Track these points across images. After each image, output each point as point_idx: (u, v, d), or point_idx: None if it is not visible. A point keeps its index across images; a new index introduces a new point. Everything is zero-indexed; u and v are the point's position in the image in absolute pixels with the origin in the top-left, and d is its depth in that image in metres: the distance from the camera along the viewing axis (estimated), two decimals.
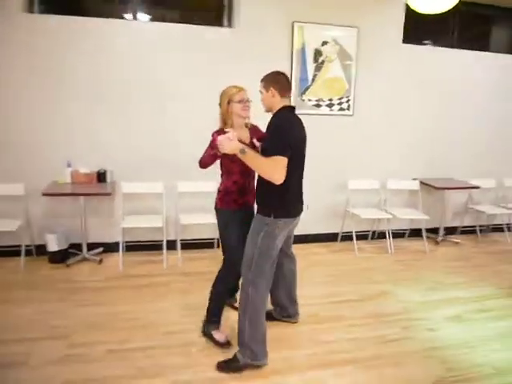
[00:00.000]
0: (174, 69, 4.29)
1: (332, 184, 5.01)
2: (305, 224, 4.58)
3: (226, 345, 2.85)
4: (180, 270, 4.10)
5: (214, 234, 4.65)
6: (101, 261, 4.18)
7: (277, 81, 2.63)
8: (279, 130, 2.47)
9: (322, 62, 4.69)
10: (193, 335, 2.97)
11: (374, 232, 5.26)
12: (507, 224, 5.51)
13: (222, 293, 2.93)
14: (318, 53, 4.65)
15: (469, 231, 5.70)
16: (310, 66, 4.66)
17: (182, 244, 4.48)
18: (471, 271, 4.45)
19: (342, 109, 4.85)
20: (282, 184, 2.45)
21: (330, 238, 5.10)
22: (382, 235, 5.19)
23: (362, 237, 5.20)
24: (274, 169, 2.39)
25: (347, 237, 5.09)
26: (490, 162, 5.63)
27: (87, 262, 4.20)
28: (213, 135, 2.78)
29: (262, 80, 2.68)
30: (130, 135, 4.30)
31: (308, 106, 4.72)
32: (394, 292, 3.84)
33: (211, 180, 4.41)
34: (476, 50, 5.38)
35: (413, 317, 3.41)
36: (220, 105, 2.82)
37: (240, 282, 2.73)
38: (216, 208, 2.90)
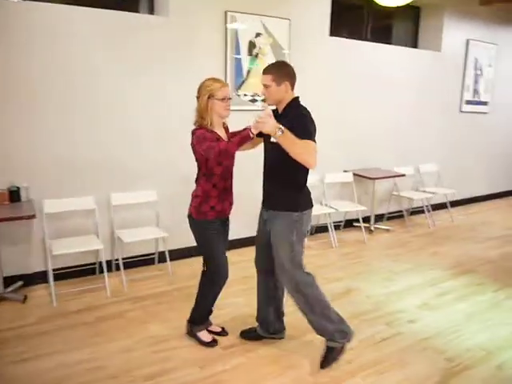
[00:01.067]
0: (93, 61, 3.66)
1: None
2: (239, 227, 4.36)
3: (212, 343, 2.82)
4: (127, 296, 3.53)
5: (153, 248, 4.14)
6: (25, 298, 3.40)
7: (291, 74, 2.51)
8: (306, 118, 2.41)
9: (256, 55, 4.44)
10: (178, 374, 2.53)
11: (312, 227, 5.20)
12: (426, 206, 5.87)
13: (208, 301, 2.81)
14: (251, 45, 4.39)
15: (394, 217, 5.97)
16: (245, 59, 4.38)
17: (116, 264, 3.89)
18: (412, 256, 4.62)
19: None
20: (299, 175, 2.50)
21: None
22: (320, 229, 5.15)
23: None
24: (311, 152, 2.28)
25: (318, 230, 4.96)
26: (407, 150, 5.95)
27: (7, 302, 3.38)
28: (194, 133, 2.52)
29: (271, 72, 2.44)
30: (48, 141, 3.57)
31: (244, 102, 4.43)
32: (358, 287, 3.79)
33: (150, 189, 3.97)
34: (383, 43, 5.63)
35: (388, 311, 3.37)
36: (198, 98, 2.52)
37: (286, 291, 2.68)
38: (190, 217, 2.66)
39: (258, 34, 4.41)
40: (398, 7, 4.68)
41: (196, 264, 4.25)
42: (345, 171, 5.30)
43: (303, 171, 2.49)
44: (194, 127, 2.58)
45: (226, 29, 4.20)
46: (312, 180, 4.80)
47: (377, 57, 5.39)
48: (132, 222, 3.95)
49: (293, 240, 2.50)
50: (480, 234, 5.49)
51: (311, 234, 5.16)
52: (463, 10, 6.12)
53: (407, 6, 5.85)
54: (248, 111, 4.45)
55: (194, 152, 2.57)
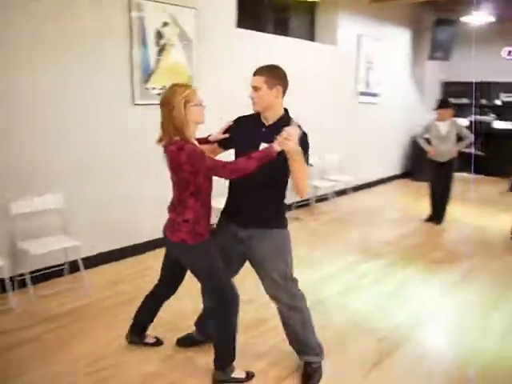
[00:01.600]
0: None
1: None
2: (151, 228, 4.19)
3: (250, 377, 2.52)
4: (40, 316, 3.13)
5: (62, 258, 3.74)
6: None
7: (283, 79, 2.33)
8: (307, 139, 2.32)
9: (164, 46, 4.22)
10: None
11: None
12: (330, 193, 6.19)
13: (233, 331, 2.41)
14: (158, 35, 4.15)
15: (302, 205, 6.18)
16: (152, 50, 4.13)
17: (21, 280, 3.45)
18: (323, 244, 4.83)
19: None
20: (285, 193, 2.42)
21: None
22: None
23: None
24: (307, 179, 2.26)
25: None
26: (311, 140, 6.16)
27: None
28: (181, 148, 2.15)
29: (263, 74, 2.28)
30: None
31: (152, 96, 4.19)
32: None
33: (55, 191, 3.57)
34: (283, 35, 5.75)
35: (315, 299, 3.44)
36: (168, 109, 2.18)
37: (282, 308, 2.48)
38: (183, 245, 2.29)
39: (164, 24, 4.18)
40: (295, 1, 4.77)
41: (113, 270, 4.02)
42: None
43: (285, 189, 2.42)
44: (164, 142, 2.24)
45: (130, 17, 3.91)
46: None
47: (280, 50, 5.47)
48: (37, 232, 3.53)
49: (287, 257, 2.41)
50: (378, 218, 5.95)
51: None
52: (355, 7, 6.49)
53: (305, 2, 6.06)
54: (157, 105, 4.23)
55: (178, 171, 2.21)
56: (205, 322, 2.75)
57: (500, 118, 8.48)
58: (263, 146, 2.24)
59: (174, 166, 2.22)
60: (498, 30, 7.84)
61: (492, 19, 6.70)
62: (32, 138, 3.47)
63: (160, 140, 2.28)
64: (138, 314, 2.74)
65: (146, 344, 2.77)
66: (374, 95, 7.26)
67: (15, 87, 3.33)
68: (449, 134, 5.38)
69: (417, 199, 6.85)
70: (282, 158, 2.12)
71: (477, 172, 7.41)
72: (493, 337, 3.07)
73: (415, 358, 2.77)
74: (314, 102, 6.10)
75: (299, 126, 2.15)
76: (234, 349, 2.43)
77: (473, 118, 8.28)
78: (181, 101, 2.16)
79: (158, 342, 2.81)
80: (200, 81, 4.55)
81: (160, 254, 4.14)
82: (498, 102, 8.51)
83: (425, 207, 5.86)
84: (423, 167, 6.13)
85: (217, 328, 2.43)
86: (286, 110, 2.39)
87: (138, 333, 2.75)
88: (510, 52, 8.48)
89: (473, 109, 8.23)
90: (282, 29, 5.96)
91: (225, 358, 2.44)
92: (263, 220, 2.35)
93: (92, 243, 3.86)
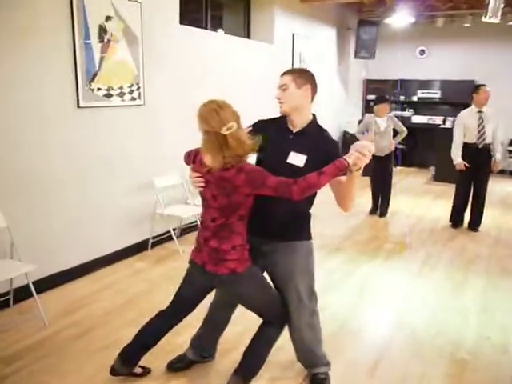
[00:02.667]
0: None
1: (135, 185, 4.30)
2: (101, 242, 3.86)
3: None
4: None
5: (6, 286, 3.23)
6: None
7: (314, 80, 2.19)
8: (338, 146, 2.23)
9: (108, 42, 3.84)
10: None
11: (174, 229, 4.86)
12: None
13: (273, 342, 2.34)
14: (102, 30, 3.77)
15: None
16: (96, 47, 3.73)
17: None
18: None
19: (133, 98, 4.15)
20: (310, 203, 2.26)
21: (137, 248, 4.40)
22: (184, 231, 4.88)
23: (169, 238, 4.70)
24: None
25: (157, 242, 4.56)
26: None
27: None
28: (242, 169, 1.97)
29: (290, 73, 2.15)
30: None
31: (98, 97, 3.80)
32: None
33: None
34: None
35: None
36: (224, 132, 1.96)
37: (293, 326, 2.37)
38: (233, 276, 2.10)
39: (108, 18, 3.80)
40: None
41: (68, 290, 3.58)
42: None
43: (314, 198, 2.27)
44: (213, 167, 2.00)
45: (71, 10, 3.49)
46: (176, 181, 4.57)
47: (221, 47, 5.29)
48: None
49: (311, 269, 2.30)
50: (326, 213, 6.02)
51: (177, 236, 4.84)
52: (288, 5, 6.50)
53: None
54: (103, 108, 3.87)
55: (232, 194, 2.01)
56: (203, 347, 2.55)
57: (417, 112, 9.08)
58: (293, 155, 2.09)
59: (228, 190, 2.00)
60: (414, 31, 8.36)
61: (412, 20, 7.12)
62: None
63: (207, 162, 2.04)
64: (133, 341, 2.39)
65: (134, 375, 2.47)
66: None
67: None
68: (387, 129, 5.61)
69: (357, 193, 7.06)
70: (310, 168, 1.97)
71: (400, 164, 7.87)
72: (472, 316, 3.25)
73: (408, 346, 2.81)
74: (253, 100, 6.02)
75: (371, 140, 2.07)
76: (263, 363, 2.33)
77: (393, 113, 8.77)
78: (236, 121, 1.99)
79: (146, 371, 2.53)
80: (147, 80, 4.24)
81: (115, 268, 3.90)
82: (415, 99, 9.11)
83: (366, 201, 6.07)
84: None
85: (260, 342, 2.31)
86: (314, 115, 2.22)
87: (129, 363, 2.41)
88: (422, 51, 9.13)
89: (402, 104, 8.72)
90: (217, 25, 5.80)
91: (252, 371, 2.32)
92: (290, 232, 2.20)
93: (38, 264, 3.40)
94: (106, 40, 3.81)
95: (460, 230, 5.29)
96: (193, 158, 2.19)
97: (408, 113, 9.13)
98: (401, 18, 7.04)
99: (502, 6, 5.09)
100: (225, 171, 1.98)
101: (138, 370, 2.48)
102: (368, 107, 9.43)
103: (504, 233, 5.22)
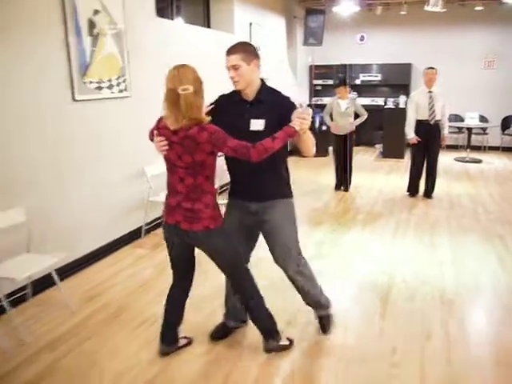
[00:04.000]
0: None
1: (128, 174, 4.40)
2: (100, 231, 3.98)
3: (292, 343, 2.71)
4: (35, 345, 2.76)
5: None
6: None
7: (256, 52, 2.41)
8: (294, 106, 2.38)
9: (97, 36, 3.90)
10: None
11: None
12: None
13: (262, 300, 2.58)
14: (91, 24, 3.82)
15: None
16: (86, 40, 3.78)
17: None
18: None
19: (120, 90, 4.24)
20: (286, 162, 2.56)
21: (131, 236, 4.53)
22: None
23: (158, 225, 4.86)
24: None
25: (148, 229, 4.71)
26: None
27: None
28: (205, 128, 2.18)
29: (238, 52, 2.32)
30: None
31: (91, 90, 3.87)
32: None
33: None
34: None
35: None
36: (196, 91, 2.19)
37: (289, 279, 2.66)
38: (209, 232, 2.31)
39: (96, 12, 3.86)
40: None
41: (81, 278, 3.68)
42: None
43: (286, 158, 2.57)
44: (176, 126, 2.19)
45: (63, 4, 3.52)
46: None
47: (190, 39, 5.44)
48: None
49: (295, 224, 2.58)
50: (298, 190, 6.44)
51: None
52: None
53: None
54: (96, 100, 3.94)
55: (195, 152, 2.19)
56: (233, 306, 2.81)
57: (361, 95, 9.72)
58: (253, 122, 2.36)
59: (191, 148, 2.18)
60: (354, 19, 8.93)
61: (357, 9, 7.65)
62: None
63: (171, 123, 2.22)
64: (164, 322, 2.61)
65: (179, 348, 2.69)
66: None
67: None
68: (347, 111, 6.10)
69: (319, 172, 7.53)
70: (270, 129, 2.28)
71: None
72: (447, 268, 3.81)
73: (404, 292, 3.30)
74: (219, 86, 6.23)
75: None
76: (271, 317, 2.58)
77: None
78: (200, 82, 2.21)
79: (189, 341, 2.76)
80: (132, 72, 4.33)
81: (118, 256, 4.05)
82: (358, 82, 9.75)
83: (330, 177, 6.55)
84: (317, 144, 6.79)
85: (254, 313, 2.57)
86: (262, 80, 2.47)
87: (170, 341, 2.63)
88: (362, 37, 9.77)
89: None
90: (177, 16, 5.91)
91: (267, 327, 2.59)
92: (270, 192, 2.49)
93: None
94: (94, 33, 3.87)
95: (417, 198, 5.93)
96: (156, 126, 2.35)
97: (353, 95, 9.74)
98: (346, 7, 7.53)
99: None
100: (188, 130, 2.17)
101: (182, 342, 2.71)
102: (315, 91, 9.95)
103: (454, 198, 5.93)
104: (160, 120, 2.33)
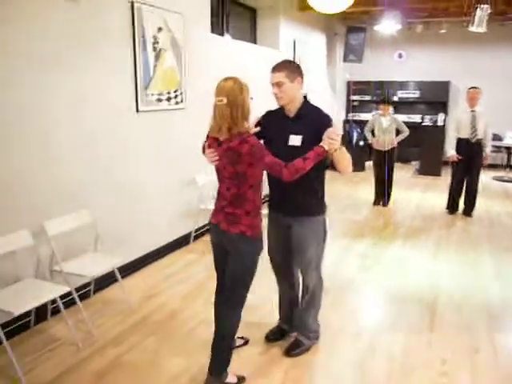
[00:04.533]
0: None
1: (179, 183, 4.63)
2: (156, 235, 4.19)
3: (241, 381, 2.55)
4: (103, 339, 2.98)
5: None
6: None
7: (300, 70, 2.52)
8: (333, 122, 2.49)
9: (160, 51, 4.16)
10: None
11: None
12: None
13: (234, 343, 2.55)
14: (155, 40, 4.09)
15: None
16: (151, 56, 4.05)
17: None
18: None
19: (177, 102, 4.48)
20: (323, 180, 2.64)
21: (182, 241, 4.73)
22: None
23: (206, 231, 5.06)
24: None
25: (198, 235, 4.91)
26: None
27: None
28: (246, 141, 2.21)
29: (282, 69, 2.44)
30: None
31: (152, 102, 4.13)
32: None
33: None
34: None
35: (345, 277, 3.87)
36: (241, 102, 2.24)
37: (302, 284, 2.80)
38: (243, 238, 2.31)
39: (159, 29, 4.13)
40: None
41: (138, 279, 3.88)
42: None
43: (322, 173, 2.63)
44: (221, 137, 2.27)
45: (133, 21, 3.80)
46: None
47: (240, 55, 5.69)
48: (71, 252, 3.27)
49: (321, 241, 2.67)
50: (337, 204, 6.55)
51: None
52: (289, 14, 6.98)
53: (245, 7, 6.37)
54: (156, 111, 4.19)
55: (238, 163, 2.25)
56: (285, 312, 2.95)
57: (398, 112, 9.78)
58: (292, 138, 2.47)
59: (234, 159, 2.24)
60: (393, 36, 9.06)
61: (398, 27, 7.77)
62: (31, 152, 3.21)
63: (214, 135, 2.32)
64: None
65: (237, 347, 2.79)
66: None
67: (18, 100, 3.06)
68: (389, 128, 6.21)
69: (356, 186, 7.63)
70: (307, 145, 2.37)
71: None
72: (490, 282, 3.90)
73: (450, 305, 3.38)
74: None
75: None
76: (230, 360, 2.47)
77: (374, 112, 9.44)
78: (247, 93, 2.26)
79: (245, 341, 2.91)
80: (189, 85, 4.58)
81: (170, 260, 4.21)
82: (396, 99, 9.83)
83: (367, 192, 6.65)
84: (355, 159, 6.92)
85: (225, 334, 2.43)
86: (305, 97, 2.57)
87: None
88: (400, 54, 9.87)
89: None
90: (227, 32, 6.17)
91: (221, 364, 2.46)
92: (304, 209, 2.57)
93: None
94: (158, 49, 4.13)
95: (456, 216, 5.96)
96: (206, 139, 2.44)
97: (377, 112, 9.81)
98: (388, 26, 7.67)
99: (487, 17, 5.77)
100: (230, 142, 2.23)
101: (239, 342, 2.84)
102: (353, 107, 10.07)
103: (494, 216, 5.94)
104: (208, 134, 2.43)
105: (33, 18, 2.96)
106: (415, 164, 9.02)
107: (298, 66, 2.54)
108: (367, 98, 9.97)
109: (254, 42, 6.76)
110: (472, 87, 5.73)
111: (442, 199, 6.25)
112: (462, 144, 5.72)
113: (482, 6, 5.59)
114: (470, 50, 9.14)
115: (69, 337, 2.95)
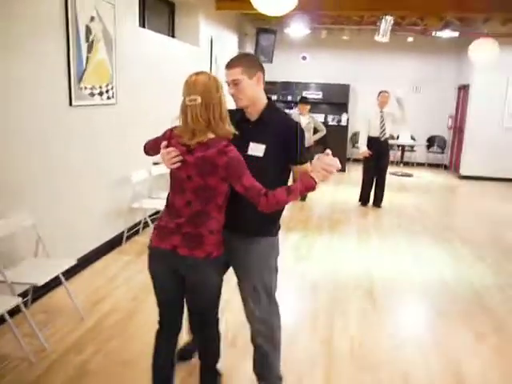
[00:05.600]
0: None
1: (110, 181, 4.41)
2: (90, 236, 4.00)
3: None
4: (60, 349, 2.76)
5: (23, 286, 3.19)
6: None
7: (260, 63, 2.11)
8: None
9: (92, 42, 3.92)
10: None
11: (140, 223, 5.05)
12: None
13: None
14: (88, 30, 3.84)
15: None
16: (84, 47, 3.80)
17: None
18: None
19: (108, 97, 4.26)
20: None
21: (113, 243, 4.52)
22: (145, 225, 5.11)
23: (136, 232, 4.88)
24: None
25: (130, 235, 4.73)
26: None
27: None
28: (225, 151, 1.88)
29: (239, 64, 2.01)
30: None
31: (85, 96, 3.88)
32: None
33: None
34: None
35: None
36: (217, 101, 1.90)
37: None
38: (207, 260, 1.96)
39: (92, 19, 3.89)
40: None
41: (78, 283, 3.61)
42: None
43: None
44: (195, 141, 1.89)
45: (66, 11, 3.53)
46: (143, 175, 4.75)
47: (170, 52, 5.57)
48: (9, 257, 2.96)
49: (272, 266, 2.24)
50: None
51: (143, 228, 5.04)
52: (207, 12, 6.98)
53: (163, 1, 6.27)
54: (88, 106, 3.95)
55: (209, 175, 1.89)
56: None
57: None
58: (252, 146, 2.05)
59: (206, 170, 1.90)
60: (298, 39, 9.54)
61: (308, 31, 8.22)
62: None
63: (184, 141, 1.93)
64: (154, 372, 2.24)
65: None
66: None
67: None
68: (307, 126, 6.57)
69: None
70: (278, 170, 2.08)
71: None
72: (412, 262, 4.34)
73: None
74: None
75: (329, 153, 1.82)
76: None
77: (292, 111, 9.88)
78: (221, 90, 1.93)
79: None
80: (120, 79, 4.39)
81: (107, 261, 4.05)
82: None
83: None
84: None
85: (213, 354, 2.27)
86: (269, 98, 2.14)
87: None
88: (304, 57, 10.43)
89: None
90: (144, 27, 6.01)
91: None
92: (254, 227, 2.13)
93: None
94: (90, 40, 3.89)
95: (368, 207, 6.53)
96: (164, 137, 2.06)
97: (296, 112, 10.33)
98: (297, 29, 8.07)
99: (390, 28, 6.40)
100: (206, 150, 1.89)
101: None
102: None
103: (399, 206, 6.63)
104: (170, 132, 2.03)
105: None
106: None
107: (257, 59, 2.15)
108: (274, 97, 10.36)
109: (173, 37, 6.65)
110: (382, 91, 6.32)
111: (352, 193, 6.81)
112: (372, 142, 6.29)
113: (387, 17, 6.18)
114: (368, 56, 10.01)
115: (18, 352, 2.68)
